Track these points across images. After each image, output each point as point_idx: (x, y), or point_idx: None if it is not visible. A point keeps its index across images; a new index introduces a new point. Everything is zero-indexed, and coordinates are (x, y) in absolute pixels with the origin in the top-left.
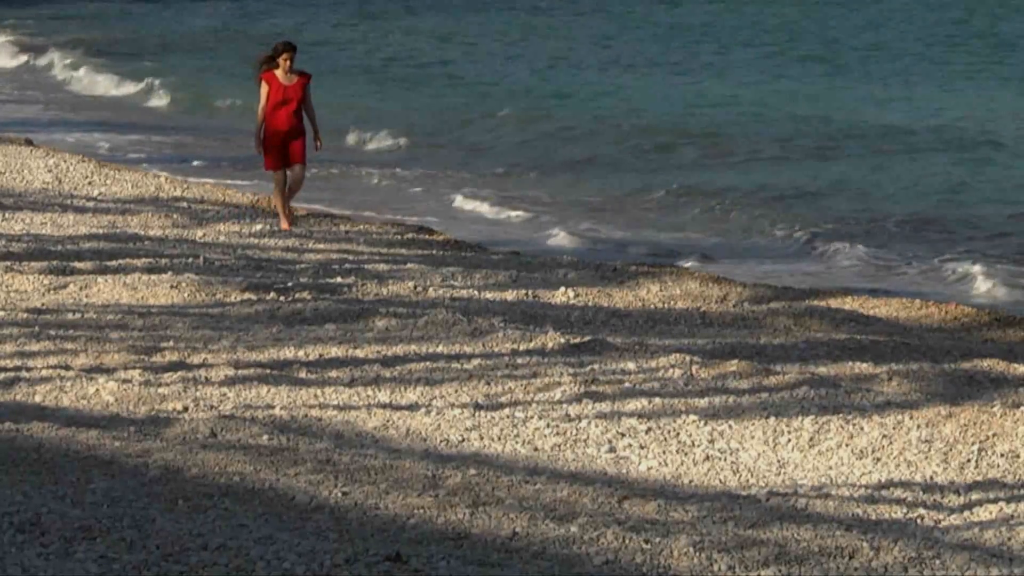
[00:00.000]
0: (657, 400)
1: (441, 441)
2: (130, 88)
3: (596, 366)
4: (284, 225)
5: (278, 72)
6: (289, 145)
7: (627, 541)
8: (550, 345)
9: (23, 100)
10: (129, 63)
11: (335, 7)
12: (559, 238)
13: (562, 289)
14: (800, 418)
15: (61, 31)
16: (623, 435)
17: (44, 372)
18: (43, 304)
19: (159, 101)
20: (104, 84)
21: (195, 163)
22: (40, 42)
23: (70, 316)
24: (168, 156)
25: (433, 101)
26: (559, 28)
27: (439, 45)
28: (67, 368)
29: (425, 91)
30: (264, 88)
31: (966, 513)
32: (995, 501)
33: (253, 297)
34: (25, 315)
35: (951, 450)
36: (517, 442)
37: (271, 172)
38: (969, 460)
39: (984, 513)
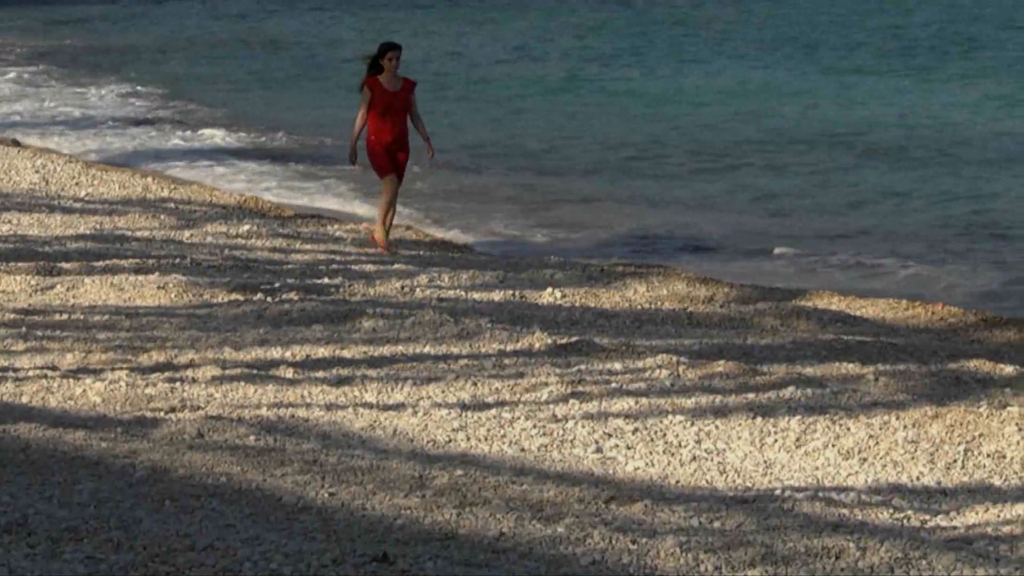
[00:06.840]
0: (644, 401)
1: (428, 442)
2: None
3: (583, 367)
4: (381, 246)
5: (382, 77)
6: (396, 156)
7: (614, 542)
8: (537, 346)
9: None
10: None
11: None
12: None
13: (549, 290)
14: (787, 418)
15: None
16: (610, 436)
17: (31, 373)
18: (30, 305)
19: None
20: None
21: None
22: None
23: (57, 317)
24: None
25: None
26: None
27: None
28: (54, 369)
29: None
30: (367, 94)
31: (953, 514)
32: (981, 501)
33: (240, 298)
34: (12, 316)
35: (938, 451)
36: (504, 443)
37: (382, 179)
38: (956, 461)
39: (971, 514)
